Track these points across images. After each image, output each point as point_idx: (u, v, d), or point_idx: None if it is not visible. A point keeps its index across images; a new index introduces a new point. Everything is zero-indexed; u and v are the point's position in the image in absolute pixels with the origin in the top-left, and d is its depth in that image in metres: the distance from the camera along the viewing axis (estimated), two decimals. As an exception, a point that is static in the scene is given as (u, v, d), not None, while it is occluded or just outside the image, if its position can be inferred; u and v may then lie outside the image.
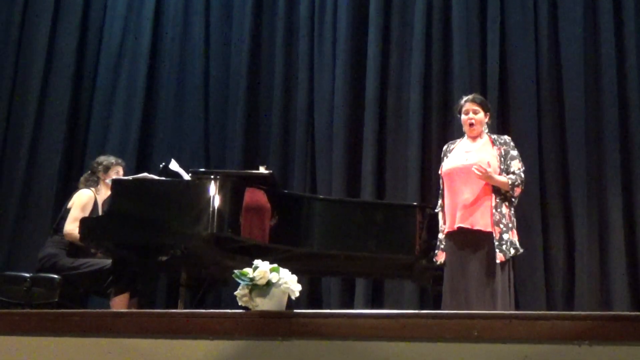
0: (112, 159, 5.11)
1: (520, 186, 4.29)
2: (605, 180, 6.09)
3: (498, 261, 4.11)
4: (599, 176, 6.13)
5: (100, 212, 4.92)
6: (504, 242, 4.15)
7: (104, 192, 5.00)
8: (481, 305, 4.03)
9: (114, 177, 4.98)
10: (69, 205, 4.89)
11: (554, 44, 6.47)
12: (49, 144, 7.07)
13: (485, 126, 4.50)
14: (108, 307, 4.55)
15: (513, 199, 4.29)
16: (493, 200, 4.22)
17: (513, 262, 4.28)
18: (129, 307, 4.50)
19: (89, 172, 5.09)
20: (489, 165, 4.24)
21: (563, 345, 2.50)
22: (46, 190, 6.85)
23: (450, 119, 6.11)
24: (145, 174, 4.73)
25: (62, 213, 4.93)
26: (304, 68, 6.95)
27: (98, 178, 5.00)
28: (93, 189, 4.99)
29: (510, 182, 4.25)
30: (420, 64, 6.58)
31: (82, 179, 5.09)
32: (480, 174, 4.18)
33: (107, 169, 5.02)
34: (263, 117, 7.05)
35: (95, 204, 4.92)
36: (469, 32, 6.58)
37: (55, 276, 4.58)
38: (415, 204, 5.43)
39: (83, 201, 4.87)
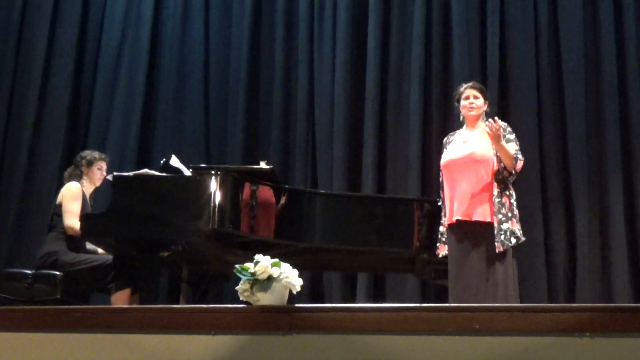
0: (96, 154, 5.13)
1: (521, 162, 4.24)
2: (606, 171, 6.08)
3: (497, 251, 4.10)
4: (599, 167, 6.12)
5: (88, 205, 4.94)
6: (502, 232, 4.13)
7: (88, 186, 5.03)
8: (481, 297, 4.02)
9: (96, 171, 5.04)
10: (59, 200, 4.89)
11: (553, 35, 6.46)
12: (50, 140, 7.07)
13: (484, 114, 4.48)
14: (109, 303, 4.55)
15: (512, 175, 4.23)
16: (494, 189, 4.20)
17: (514, 252, 4.27)
18: (130, 303, 4.50)
19: (72, 166, 5.11)
20: (496, 121, 4.18)
21: (564, 338, 2.50)
22: (47, 187, 6.85)
23: (451, 112, 6.10)
24: (146, 170, 4.73)
25: (52, 209, 4.94)
26: (304, 62, 6.95)
27: (81, 172, 5.02)
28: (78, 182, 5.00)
29: (514, 154, 4.20)
30: (420, 57, 6.57)
31: (66, 173, 5.10)
32: (492, 131, 4.12)
33: (90, 163, 5.04)
34: (263, 111, 7.05)
35: (84, 195, 4.94)
36: (469, 25, 6.57)
37: (57, 273, 4.58)
38: (414, 197, 5.43)
39: (74, 193, 4.87)
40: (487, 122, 4.19)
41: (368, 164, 6.48)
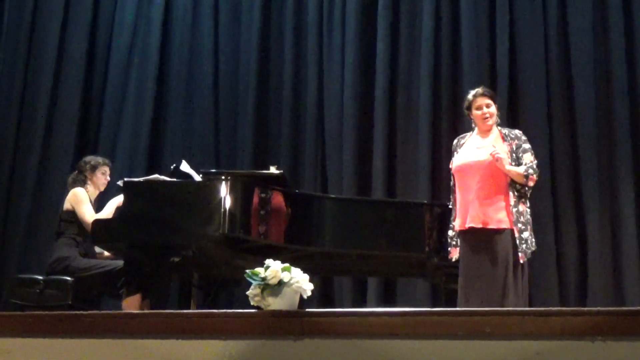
0: (100, 159, 5.17)
1: (534, 175, 4.20)
2: (617, 175, 6.06)
3: (521, 261, 4.06)
4: (610, 171, 6.09)
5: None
6: (523, 241, 4.09)
7: (92, 191, 5.04)
8: (499, 306, 3.97)
9: (100, 176, 5.06)
10: (65, 207, 4.91)
11: (563, 37, 6.44)
12: (60, 146, 7.10)
13: (496, 118, 4.43)
14: (120, 308, 4.56)
15: (527, 188, 4.20)
16: (511, 198, 4.15)
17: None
18: (141, 308, 4.50)
19: (76, 171, 5.14)
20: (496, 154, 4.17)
21: (576, 342, 2.49)
22: (58, 193, 6.83)
23: (461, 116, 6.07)
24: (156, 175, 4.74)
25: (60, 215, 4.95)
26: (313, 66, 6.95)
27: (85, 177, 5.04)
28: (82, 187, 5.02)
29: (524, 172, 4.17)
30: (430, 60, 6.57)
31: (69, 179, 5.12)
32: (495, 159, 4.12)
33: (94, 168, 5.07)
34: (273, 116, 7.05)
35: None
36: (478, 28, 6.56)
37: (68, 278, 4.59)
38: (424, 201, 5.41)
39: (81, 198, 4.89)
40: (490, 152, 4.17)
41: (378, 168, 6.48)
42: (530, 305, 4.19)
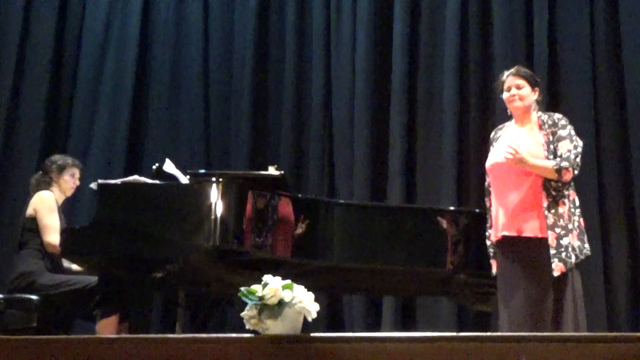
0: (69, 159, 5.20)
1: (570, 169, 4.10)
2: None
3: (558, 273, 3.99)
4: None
5: (62, 218, 4.98)
6: (562, 249, 4.03)
7: (58, 195, 5.06)
8: (543, 329, 3.95)
9: (68, 179, 5.08)
10: (29, 212, 4.92)
11: (611, 12, 6.41)
12: (24, 144, 7.11)
13: (534, 104, 4.38)
14: (94, 332, 4.57)
15: (561, 185, 4.12)
16: (544, 199, 4.12)
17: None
18: (118, 332, 4.52)
19: (41, 172, 5.16)
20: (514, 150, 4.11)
21: (628, 372, 2.49)
22: (21, 198, 6.86)
23: (491, 107, 6.08)
24: (136, 177, 4.75)
25: (22, 223, 4.96)
26: (319, 50, 6.96)
27: (50, 178, 5.07)
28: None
29: (554, 167, 4.10)
30: (455, 42, 6.57)
31: (33, 180, 5.13)
32: (510, 157, 4.08)
33: (61, 168, 5.09)
34: (272, 108, 7.06)
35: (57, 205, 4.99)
36: (512, 5, 6.55)
37: (33, 297, 4.60)
38: (449, 208, 5.42)
39: (49, 204, 4.91)
40: (505, 150, 4.14)
41: (394, 169, 6.48)
42: (586, 329, 4.15)
